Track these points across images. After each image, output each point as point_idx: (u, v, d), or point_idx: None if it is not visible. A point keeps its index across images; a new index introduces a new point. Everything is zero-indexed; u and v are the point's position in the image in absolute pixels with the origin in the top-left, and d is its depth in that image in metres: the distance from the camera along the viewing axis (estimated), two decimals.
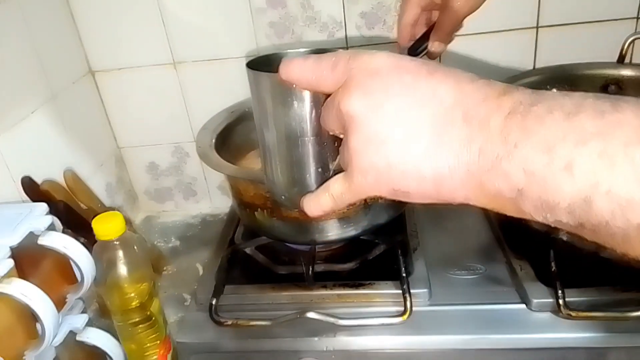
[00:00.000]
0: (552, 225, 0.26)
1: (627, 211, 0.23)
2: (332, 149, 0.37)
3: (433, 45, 0.55)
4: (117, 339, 0.58)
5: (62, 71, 0.78)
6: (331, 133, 0.34)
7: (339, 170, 0.35)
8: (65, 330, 0.54)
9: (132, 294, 0.55)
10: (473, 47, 0.80)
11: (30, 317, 0.48)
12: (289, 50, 0.42)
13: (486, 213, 0.70)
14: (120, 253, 0.55)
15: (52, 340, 0.49)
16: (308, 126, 0.36)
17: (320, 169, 0.37)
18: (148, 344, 0.59)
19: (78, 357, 0.57)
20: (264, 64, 0.39)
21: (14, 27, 0.68)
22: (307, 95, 0.35)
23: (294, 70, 0.33)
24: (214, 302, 0.58)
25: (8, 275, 0.46)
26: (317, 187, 0.36)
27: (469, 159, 0.27)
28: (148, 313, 0.58)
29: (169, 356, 0.60)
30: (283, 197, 0.40)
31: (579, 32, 0.78)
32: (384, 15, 0.79)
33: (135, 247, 0.56)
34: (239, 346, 0.55)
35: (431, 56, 0.56)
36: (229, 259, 0.63)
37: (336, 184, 0.34)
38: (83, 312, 0.58)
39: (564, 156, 0.24)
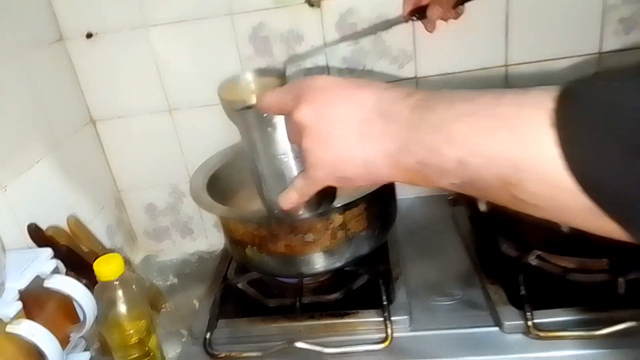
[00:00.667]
0: (451, 188, 0.34)
1: (488, 165, 0.30)
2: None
3: (432, 11, 0.65)
4: None
5: (64, 121, 0.84)
6: (293, 143, 0.43)
7: None
8: None
9: (132, 331, 0.59)
10: (453, 86, 0.85)
11: (37, 355, 0.51)
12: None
13: (465, 243, 0.74)
14: (120, 292, 0.59)
15: None
16: (284, 145, 0.45)
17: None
18: None
19: None
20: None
21: (19, 82, 0.73)
22: (279, 121, 0.44)
23: (267, 101, 0.43)
24: (207, 336, 0.61)
25: (17, 316, 0.50)
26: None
27: (386, 146, 0.36)
28: (147, 349, 0.61)
29: None
30: (275, 210, 0.48)
31: (547, 67, 0.84)
32: (363, 59, 0.85)
33: (134, 286, 0.60)
34: None
35: (429, 20, 0.66)
36: (222, 294, 0.67)
37: (298, 180, 0.44)
38: (85, 349, 0.62)
39: (446, 133, 0.32)
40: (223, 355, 0.60)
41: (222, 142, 0.85)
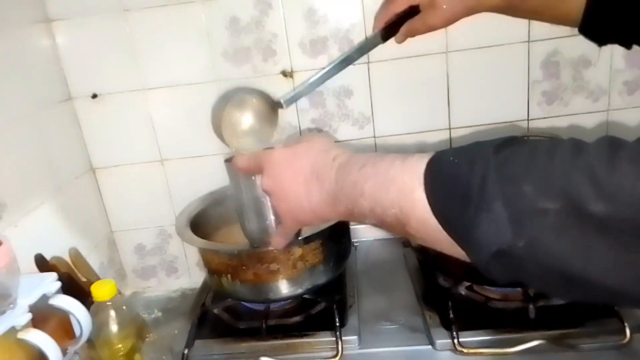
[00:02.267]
0: (374, 225, 0.47)
1: (387, 212, 0.43)
2: None
3: (399, 37, 0.71)
4: None
5: (68, 168, 0.96)
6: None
7: None
8: None
9: (120, 346, 0.69)
10: (405, 145, 1.00)
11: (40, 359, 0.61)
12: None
13: (412, 278, 0.86)
14: (112, 312, 0.70)
15: None
16: (259, 192, 0.59)
17: (273, 218, 0.62)
18: None
19: None
20: None
21: (30, 135, 0.86)
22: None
23: (237, 164, 0.60)
24: (185, 352, 0.71)
25: (26, 326, 0.60)
26: (274, 230, 0.62)
27: (324, 198, 0.50)
28: None
29: None
30: (255, 241, 0.64)
31: (485, 130, 0.99)
32: (329, 120, 1.00)
33: (124, 307, 0.70)
34: None
35: (397, 39, 0.72)
36: (199, 318, 0.78)
37: (278, 229, 0.62)
38: None
39: (359, 190, 0.46)
40: None
41: (205, 189, 0.97)
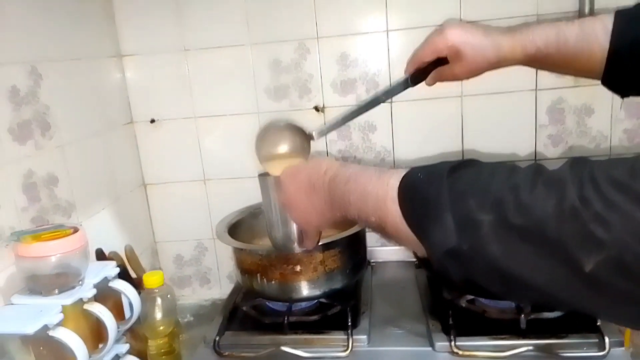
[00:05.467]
0: (364, 226, 0.60)
1: (370, 219, 0.52)
2: None
3: (429, 80, 0.76)
4: None
5: (125, 182, 1.11)
6: None
7: None
8: (113, 353, 0.78)
9: (162, 328, 0.81)
10: None
11: (100, 331, 0.73)
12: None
13: (420, 293, 0.95)
14: (159, 300, 0.82)
15: (112, 347, 0.74)
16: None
17: (295, 226, 0.70)
18: None
19: None
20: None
21: (98, 151, 1.02)
22: None
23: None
24: (217, 339, 0.82)
25: (91, 300, 0.73)
26: (296, 236, 0.70)
27: (324, 206, 0.60)
28: (174, 345, 0.82)
29: None
30: (280, 246, 0.73)
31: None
32: (354, 152, 1.12)
33: (169, 296, 0.82)
34: None
35: (427, 83, 0.77)
36: (230, 313, 0.89)
37: (302, 236, 0.70)
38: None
39: (347, 201, 0.55)
40: (227, 354, 0.80)
41: (241, 205, 1.10)
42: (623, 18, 0.63)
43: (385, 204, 0.50)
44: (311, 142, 1.06)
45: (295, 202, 0.65)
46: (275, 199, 0.70)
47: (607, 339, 0.73)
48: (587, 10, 0.99)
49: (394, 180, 0.50)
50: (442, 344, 0.77)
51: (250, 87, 1.12)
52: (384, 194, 0.50)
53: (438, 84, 0.81)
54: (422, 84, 0.78)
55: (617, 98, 0.70)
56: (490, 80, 1.04)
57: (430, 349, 0.78)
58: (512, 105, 1.07)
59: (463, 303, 0.85)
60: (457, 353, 0.75)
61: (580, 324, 0.77)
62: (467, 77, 0.73)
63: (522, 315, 0.78)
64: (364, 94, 1.10)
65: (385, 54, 1.08)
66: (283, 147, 0.80)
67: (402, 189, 0.49)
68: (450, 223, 0.42)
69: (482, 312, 0.84)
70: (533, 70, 1.01)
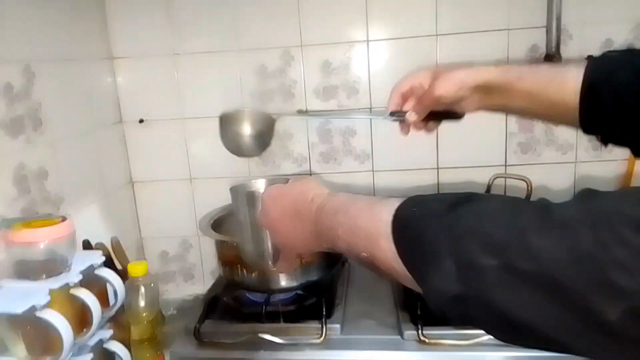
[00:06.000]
0: (352, 259, 0.52)
1: (360, 253, 0.49)
2: None
3: (410, 115, 0.74)
4: (129, 350, 0.85)
5: (113, 180, 1.15)
6: None
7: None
8: (97, 338, 0.82)
9: (145, 314, 0.84)
10: (396, 177, 1.17)
11: (85, 315, 0.76)
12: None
13: (393, 290, 1.00)
14: (143, 288, 0.85)
15: (96, 332, 0.77)
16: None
17: (270, 245, 0.70)
18: (149, 356, 0.86)
19: None
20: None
21: (87, 149, 1.06)
22: (257, 199, 0.67)
23: None
24: (197, 326, 0.86)
25: (77, 285, 0.76)
26: (271, 255, 0.70)
27: (307, 235, 0.57)
28: (155, 332, 0.86)
29: None
30: (252, 262, 0.74)
31: (466, 173, 1.15)
32: (335, 154, 1.18)
33: (152, 285, 0.86)
34: (212, 355, 0.83)
35: (406, 122, 0.75)
36: (210, 303, 0.93)
37: (282, 258, 0.67)
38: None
39: (335, 234, 0.52)
40: (206, 341, 0.85)
41: (225, 203, 1.14)
42: (596, 60, 0.64)
43: (378, 241, 0.46)
44: (293, 144, 1.13)
45: (278, 226, 0.62)
46: (248, 214, 0.69)
47: None
48: (554, 25, 1.06)
49: (386, 215, 0.46)
50: (410, 332, 0.82)
51: (236, 91, 1.17)
52: (376, 231, 0.46)
53: None
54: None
55: None
56: None
57: (399, 337, 0.83)
58: (484, 114, 1.13)
59: None
60: (424, 341, 0.80)
61: None
62: (447, 96, 0.70)
63: None
64: (344, 100, 1.15)
65: (365, 63, 1.13)
66: (247, 129, 0.84)
67: (396, 226, 0.45)
68: (451, 268, 0.39)
69: None
70: None
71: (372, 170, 1.18)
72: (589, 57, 0.66)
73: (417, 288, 0.44)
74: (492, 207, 0.41)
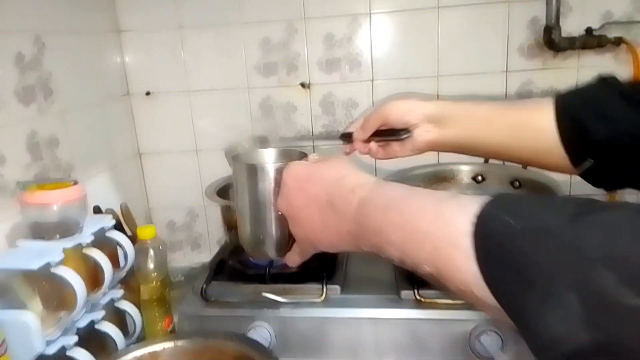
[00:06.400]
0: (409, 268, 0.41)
1: (420, 266, 0.39)
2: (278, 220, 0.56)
3: (356, 132, 0.72)
4: (139, 310, 0.89)
5: (121, 151, 1.18)
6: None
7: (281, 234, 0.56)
8: (108, 297, 0.86)
9: (155, 275, 0.88)
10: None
11: (97, 274, 0.80)
12: (259, 150, 0.65)
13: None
14: (151, 251, 0.89)
15: (108, 291, 0.81)
16: (267, 200, 0.55)
17: (274, 231, 0.56)
18: (158, 316, 0.90)
19: (114, 320, 0.87)
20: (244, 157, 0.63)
21: (96, 121, 1.09)
22: (266, 171, 0.54)
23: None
24: (204, 287, 0.90)
25: (89, 245, 0.80)
26: (277, 242, 0.56)
27: (343, 235, 0.46)
28: (163, 294, 0.90)
29: (171, 326, 0.90)
30: (248, 248, 0.60)
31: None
32: (338, 126, 1.20)
33: (161, 247, 0.90)
34: (218, 314, 0.87)
35: (352, 141, 0.72)
36: (217, 266, 0.97)
37: (296, 247, 0.56)
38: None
39: (385, 239, 0.41)
40: (213, 300, 0.88)
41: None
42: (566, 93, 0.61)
43: (450, 257, 0.36)
44: (296, 116, 1.15)
45: (301, 216, 0.50)
46: (248, 191, 0.56)
47: None
48: (553, 19, 1.06)
49: (462, 221, 0.35)
50: (407, 291, 0.86)
51: (241, 63, 1.19)
52: (447, 242, 0.36)
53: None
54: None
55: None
56: (465, 61, 1.14)
57: (396, 296, 0.87)
58: (483, 87, 1.15)
59: None
60: (420, 300, 0.84)
61: None
62: (394, 116, 0.68)
63: None
64: (347, 73, 1.17)
65: (368, 36, 1.15)
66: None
67: (481, 241, 0.34)
68: (575, 310, 0.29)
69: None
70: (503, 51, 1.10)
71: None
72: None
73: (504, 319, 0.33)
74: (628, 222, 0.30)
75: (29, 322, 0.68)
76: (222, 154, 1.23)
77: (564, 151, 0.59)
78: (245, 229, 0.59)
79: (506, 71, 1.14)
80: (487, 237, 0.34)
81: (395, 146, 0.71)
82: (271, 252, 0.58)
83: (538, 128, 0.60)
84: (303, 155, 0.58)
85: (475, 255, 0.34)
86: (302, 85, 1.18)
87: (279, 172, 0.54)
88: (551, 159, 0.61)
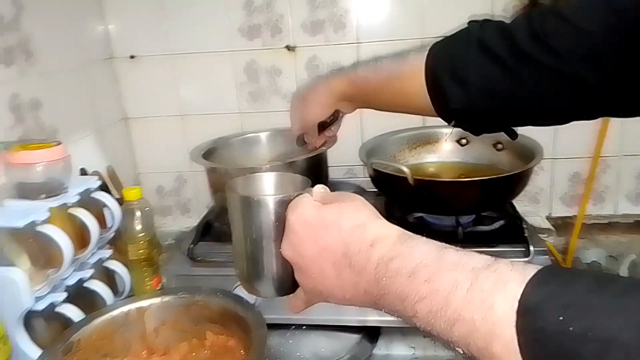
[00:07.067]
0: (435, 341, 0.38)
1: (451, 343, 0.35)
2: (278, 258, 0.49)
3: (310, 141, 0.95)
4: (128, 269, 0.90)
5: (107, 115, 1.18)
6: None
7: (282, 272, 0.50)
8: (97, 257, 0.87)
9: (142, 235, 0.89)
10: None
11: (83, 233, 0.82)
12: (257, 174, 0.59)
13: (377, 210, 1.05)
14: (138, 212, 0.90)
15: (95, 251, 0.82)
16: (268, 236, 0.48)
17: (275, 270, 0.50)
18: (146, 275, 0.91)
19: (103, 279, 0.89)
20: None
21: (80, 85, 1.09)
22: (262, 205, 0.48)
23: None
24: (191, 247, 0.92)
25: (75, 205, 0.81)
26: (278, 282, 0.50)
27: (361, 294, 0.41)
28: (151, 254, 0.91)
29: (159, 285, 0.92)
30: (245, 285, 0.54)
31: None
32: None
33: (147, 209, 0.91)
34: (205, 273, 0.89)
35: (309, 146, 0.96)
36: (204, 227, 0.98)
37: (300, 294, 0.50)
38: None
39: (410, 307, 0.36)
40: (199, 259, 0.90)
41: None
42: (435, 45, 0.69)
43: (489, 347, 0.32)
44: (282, 80, 1.14)
45: (312, 270, 0.45)
46: (242, 225, 0.51)
47: (531, 248, 0.83)
48: None
49: (503, 307, 0.31)
50: None
51: (224, 27, 1.18)
52: (485, 328, 0.32)
53: None
54: None
55: None
56: (451, 22, 1.13)
57: None
58: None
59: (411, 219, 0.95)
60: None
61: (510, 236, 0.88)
62: (320, 117, 0.90)
63: (460, 228, 0.88)
64: (332, 35, 1.17)
65: None
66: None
67: (530, 337, 0.30)
68: None
69: (427, 225, 0.94)
70: (489, 12, 1.10)
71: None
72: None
73: None
74: None
75: (17, 278, 0.69)
76: (207, 118, 1.23)
77: (437, 114, 0.70)
78: (242, 264, 0.52)
79: None
80: (535, 330, 0.30)
81: (335, 126, 0.94)
82: (270, 292, 0.52)
83: (412, 93, 0.70)
84: (306, 184, 0.52)
85: (520, 352, 0.30)
86: (287, 48, 1.18)
87: (281, 204, 0.48)
88: (433, 114, 0.71)
